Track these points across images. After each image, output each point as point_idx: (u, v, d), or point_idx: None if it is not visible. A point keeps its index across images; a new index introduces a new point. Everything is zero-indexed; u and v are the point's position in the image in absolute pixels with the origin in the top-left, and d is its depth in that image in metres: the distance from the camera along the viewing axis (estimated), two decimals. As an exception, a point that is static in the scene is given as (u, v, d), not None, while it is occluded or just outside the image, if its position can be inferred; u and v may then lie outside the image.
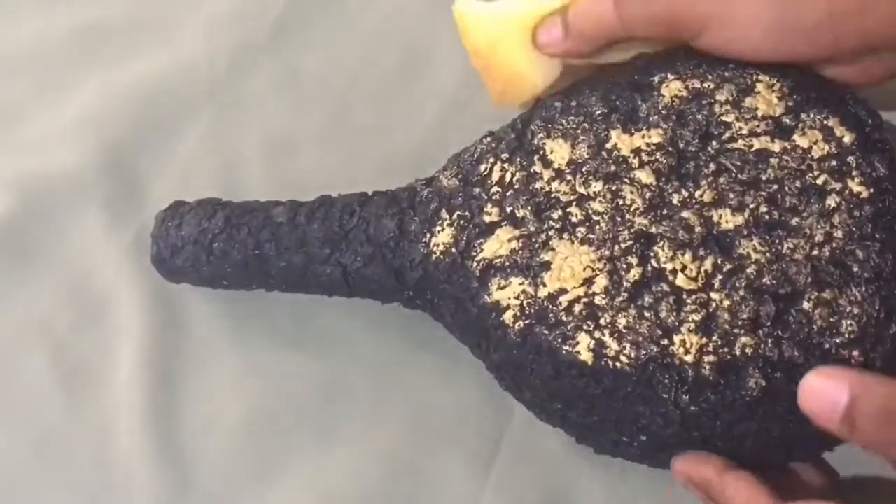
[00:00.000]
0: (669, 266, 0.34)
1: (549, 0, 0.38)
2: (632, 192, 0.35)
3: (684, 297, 0.34)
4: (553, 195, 0.36)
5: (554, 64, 0.38)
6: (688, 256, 0.34)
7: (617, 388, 0.34)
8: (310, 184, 0.44)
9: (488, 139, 0.39)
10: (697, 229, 0.34)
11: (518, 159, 0.37)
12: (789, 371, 0.32)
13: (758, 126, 0.35)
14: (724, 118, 0.36)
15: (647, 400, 0.34)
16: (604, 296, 0.34)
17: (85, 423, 0.43)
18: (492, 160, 0.38)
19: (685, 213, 0.35)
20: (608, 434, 0.36)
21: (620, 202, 0.35)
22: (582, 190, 0.36)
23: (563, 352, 0.34)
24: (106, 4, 0.52)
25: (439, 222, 0.38)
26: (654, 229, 0.35)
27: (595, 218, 0.35)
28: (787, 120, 0.35)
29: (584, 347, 0.34)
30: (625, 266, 0.35)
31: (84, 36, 0.51)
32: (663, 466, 0.36)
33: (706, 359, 0.33)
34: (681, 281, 0.34)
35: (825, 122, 0.35)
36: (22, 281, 0.46)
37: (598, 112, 0.37)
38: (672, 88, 0.37)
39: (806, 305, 0.33)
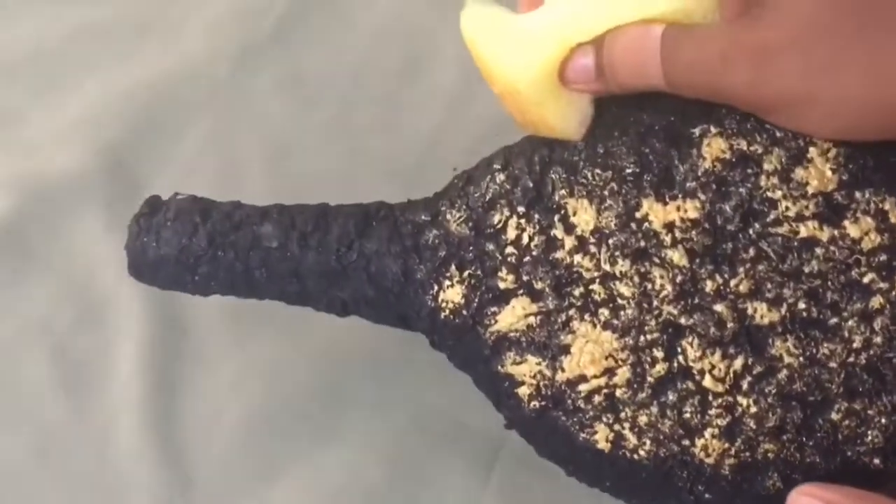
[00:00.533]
0: (697, 365, 0.33)
1: (581, 22, 0.32)
2: (661, 276, 0.33)
3: (710, 399, 0.33)
4: (575, 269, 0.34)
5: (584, 107, 0.34)
6: (717, 356, 0.33)
7: (633, 474, 0.34)
8: (311, 184, 0.44)
9: (501, 176, 0.35)
10: (730, 325, 0.33)
11: (536, 217, 0.35)
12: (807, 473, 0.32)
13: (806, 207, 0.32)
14: (769, 194, 0.33)
15: (664, 489, 0.34)
16: (625, 389, 0.33)
17: (85, 423, 0.43)
18: (507, 213, 0.35)
19: (718, 307, 0.33)
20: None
21: (649, 286, 0.33)
22: (607, 267, 0.34)
23: (580, 438, 0.34)
24: (107, 5, 0.52)
25: (448, 276, 0.36)
26: (683, 320, 0.33)
27: (620, 301, 0.33)
28: (840, 198, 0.32)
29: (602, 437, 0.33)
30: (649, 359, 0.33)
31: (85, 36, 0.51)
32: None
33: (727, 462, 0.33)
34: (708, 382, 0.33)
35: (881, 205, 0.32)
36: (22, 281, 0.46)
37: (628, 170, 0.34)
38: (714, 149, 0.33)
39: (834, 416, 0.32)
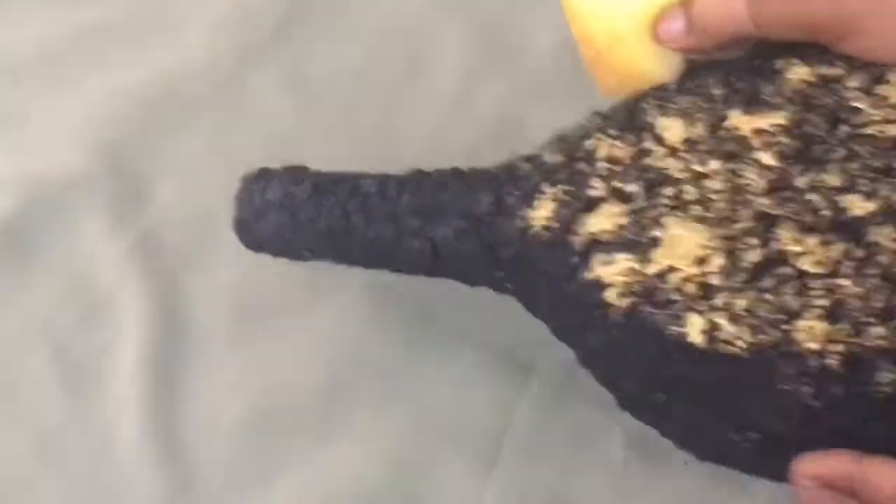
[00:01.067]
0: (794, 248, 0.31)
1: None
2: (753, 173, 0.33)
3: (810, 281, 0.31)
4: (665, 171, 0.34)
5: (675, 59, 0.36)
6: (814, 240, 0.31)
7: (730, 375, 0.31)
8: None
9: (596, 117, 0.36)
10: (825, 213, 0.32)
11: (628, 136, 0.35)
12: None
13: (892, 113, 0.32)
14: (855, 103, 0.33)
15: (764, 391, 0.31)
16: (720, 275, 0.32)
17: (85, 422, 0.43)
18: (600, 136, 0.35)
19: (811, 196, 0.32)
20: (716, 431, 0.33)
21: (740, 182, 0.33)
22: (698, 168, 0.33)
23: (673, 332, 0.32)
24: (108, 5, 0.51)
25: (539, 196, 0.36)
26: (777, 210, 0.32)
27: (712, 196, 0.33)
28: None
29: (695, 329, 0.31)
30: (744, 246, 0.32)
31: (86, 36, 0.51)
32: (775, 474, 0.33)
33: (833, 348, 0.30)
34: (806, 264, 0.31)
35: None
36: (23, 281, 0.46)
37: (716, 92, 0.34)
38: (798, 73, 0.34)
39: None
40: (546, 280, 0.35)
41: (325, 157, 0.46)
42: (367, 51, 0.51)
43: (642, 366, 0.33)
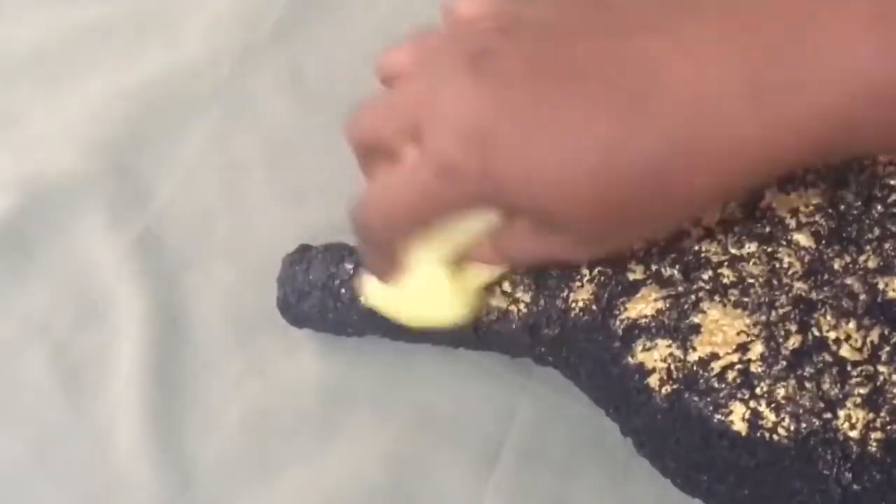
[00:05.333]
0: (832, 335, 0.32)
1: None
2: (789, 256, 0.34)
3: (849, 368, 0.32)
4: (703, 255, 0.34)
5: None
6: (852, 325, 0.32)
7: (773, 461, 0.32)
8: (312, 184, 0.44)
9: None
10: (862, 297, 0.32)
11: None
12: None
13: None
14: (888, 180, 0.34)
15: (806, 476, 0.32)
16: (760, 363, 0.32)
17: (85, 423, 0.43)
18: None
19: (848, 280, 0.33)
20: None
21: (777, 265, 0.33)
22: (734, 251, 0.34)
23: (715, 420, 0.33)
24: (107, 5, 0.51)
25: (578, 278, 0.36)
26: (814, 295, 0.33)
27: (749, 280, 0.33)
28: None
29: (738, 417, 0.32)
30: (783, 333, 0.33)
31: (85, 36, 0.50)
32: None
33: (873, 435, 0.31)
34: (845, 351, 0.32)
35: None
36: (22, 281, 0.46)
37: None
38: None
39: None
40: (587, 360, 0.36)
41: (323, 157, 0.47)
42: (367, 51, 0.48)
43: (685, 449, 0.34)
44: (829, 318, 0.33)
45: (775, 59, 0.29)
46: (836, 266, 0.33)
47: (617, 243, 0.34)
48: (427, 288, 0.36)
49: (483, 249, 0.34)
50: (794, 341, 0.33)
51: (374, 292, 0.38)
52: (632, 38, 0.30)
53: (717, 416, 0.33)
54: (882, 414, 0.31)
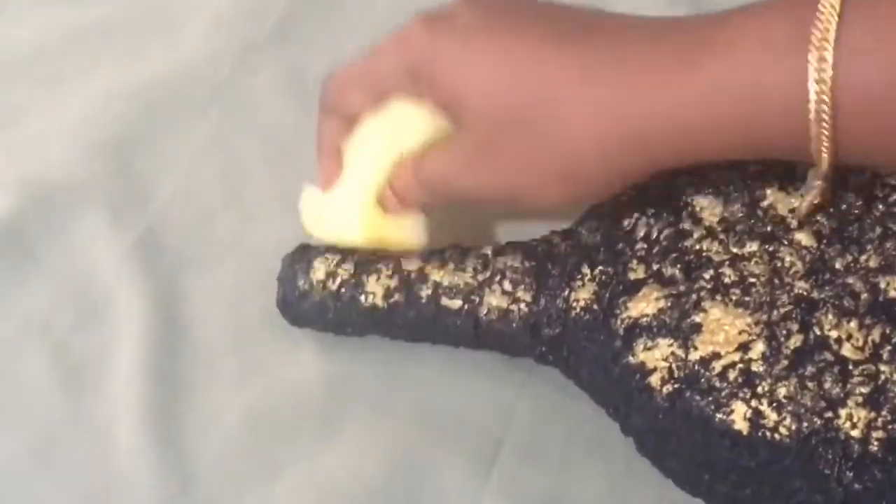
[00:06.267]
0: (834, 334, 0.32)
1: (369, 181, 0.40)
2: (791, 255, 0.34)
3: (850, 367, 0.32)
4: (704, 254, 0.34)
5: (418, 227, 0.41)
6: (853, 325, 0.32)
7: (773, 460, 0.32)
8: (314, 183, 0.42)
9: (631, 191, 0.37)
10: (864, 296, 0.33)
11: (665, 215, 0.36)
12: None
13: None
14: (889, 179, 0.34)
15: (807, 475, 0.32)
16: (762, 362, 0.32)
17: (85, 423, 0.43)
18: (636, 215, 0.36)
19: (850, 279, 0.33)
20: None
21: (778, 264, 0.34)
22: (736, 250, 0.34)
23: (716, 420, 0.33)
24: (107, 5, 0.52)
25: (580, 277, 0.36)
26: (815, 294, 0.33)
27: (751, 280, 0.34)
28: None
29: (739, 416, 0.32)
30: (784, 332, 0.33)
31: (86, 36, 0.51)
32: None
33: (874, 434, 0.31)
34: (846, 350, 0.32)
35: None
36: (23, 281, 0.45)
37: (752, 168, 0.35)
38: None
39: None
40: (588, 359, 0.36)
41: None
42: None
43: (686, 448, 0.34)
44: (830, 317, 0.33)
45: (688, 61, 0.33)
46: (837, 265, 0.33)
47: (501, 178, 0.37)
48: (348, 206, 0.39)
49: (400, 181, 0.39)
50: (795, 340, 0.33)
51: (308, 198, 0.41)
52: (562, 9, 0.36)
53: (719, 416, 0.33)
54: (883, 413, 0.31)
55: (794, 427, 0.32)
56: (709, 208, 0.35)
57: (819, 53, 0.30)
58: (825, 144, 0.31)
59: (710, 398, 0.33)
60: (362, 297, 0.40)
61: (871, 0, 0.31)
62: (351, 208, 0.39)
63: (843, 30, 0.30)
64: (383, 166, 0.39)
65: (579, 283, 0.36)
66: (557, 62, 0.34)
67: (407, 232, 0.40)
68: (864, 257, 0.33)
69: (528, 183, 0.36)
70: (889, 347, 0.32)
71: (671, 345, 0.34)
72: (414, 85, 0.37)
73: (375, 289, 0.40)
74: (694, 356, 0.33)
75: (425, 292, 0.39)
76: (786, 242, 0.34)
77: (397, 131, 0.38)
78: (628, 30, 0.34)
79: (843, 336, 0.32)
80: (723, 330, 0.33)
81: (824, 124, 0.31)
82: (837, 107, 0.30)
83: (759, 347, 0.33)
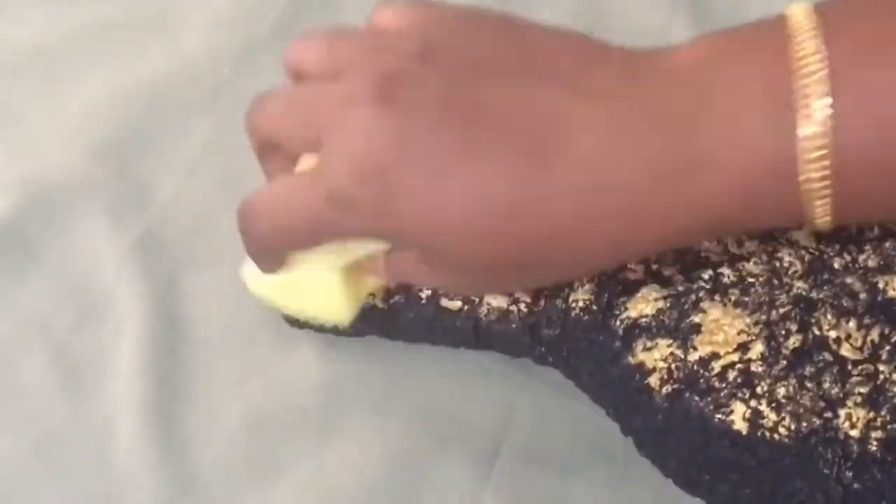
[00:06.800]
0: (833, 334, 0.32)
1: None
2: (789, 255, 0.34)
3: (849, 367, 0.32)
4: (703, 254, 0.35)
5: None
6: (852, 324, 0.32)
7: (773, 460, 0.32)
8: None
9: None
10: (862, 296, 0.33)
11: None
12: None
13: None
14: None
15: (807, 475, 0.32)
16: (761, 363, 0.33)
17: (85, 423, 0.43)
18: None
19: (848, 279, 0.33)
20: None
21: (777, 264, 0.34)
22: (734, 250, 0.34)
23: (716, 420, 0.33)
24: (107, 4, 0.51)
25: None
26: (814, 294, 0.33)
27: (750, 280, 0.34)
28: None
29: (738, 416, 0.32)
30: (783, 332, 0.33)
31: (85, 36, 0.50)
32: None
33: (873, 434, 0.31)
34: (845, 350, 0.32)
35: None
36: (22, 281, 0.45)
37: None
38: None
39: None
40: (588, 360, 0.36)
41: None
42: None
43: (686, 449, 0.34)
44: (829, 317, 0.33)
45: (673, 140, 0.29)
46: (836, 265, 0.33)
47: (511, 288, 0.35)
48: (314, 287, 0.36)
49: (373, 264, 0.35)
50: (794, 340, 0.33)
51: (258, 282, 0.37)
52: (542, 86, 0.30)
53: (718, 416, 0.33)
54: (882, 413, 0.32)
55: (793, 427, 0.32)
56: None
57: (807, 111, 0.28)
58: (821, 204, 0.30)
59: (710, 398, 0.33)
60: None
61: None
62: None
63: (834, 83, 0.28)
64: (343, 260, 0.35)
65: (578, 283, 0.36)
66: (557, 184, 0.29)
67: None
68: (862, 257, 0.33)
69: (545, 282, 0.34)
70: (888, 347, 0.32)
71: (670, 345, 0.34)
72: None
73: (375, 290, 0.40)
74: (693, 356, 0.33)
75: (425, 293, 0.39)
76: (784, 242, 0.34)
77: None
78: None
79: (842, 336, 0.32)
80: (722, 330, 0.33)
81: (821, 183, 0.29)
82: (834, 164, 0.29)
83: (758, 348, 0.33)
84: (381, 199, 0.29)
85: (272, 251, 0.35)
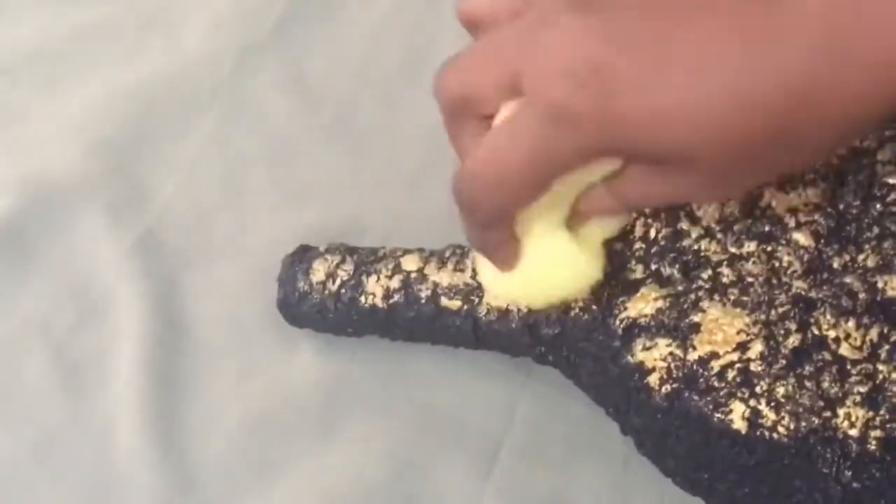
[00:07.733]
0: (832, 334, 0.32)
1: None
2: (789, 255, 0.33)
3: (848, 367, 0.32)
4: (702, 254, 0.34)
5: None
6: (851, 324, 0.32)
7: (772, 460, 0.32)
8: (312, 184, 0.44)
9: None
10: (861, 296, 0.32)
11: (662, 215, 0.35)
12: None
13: None
14: (887, 179, 0.33)
15: (806, 474, 0.32)
16: (760, 362, 0.32)
17: (85, 423, 0.43)
18: (634, 215, 0.36)
19: (848, 279, 0.33)
20: None
21: (776, 264, 0.33)
22: (734, 249, 0.34)
23: (715, 419, 0.33)
24: (108, 5, 0.52)
25: None
26: (813, 294, 0.33)
27: (749, 279, 0.33)
28: None
29: (737, 416, 0.32)
30: (782, 332, 0.33)
31: (85, 36, 0.51)
32: None
33: (872, 434, 0.31)
34: (844, 350, 0.32)
35: None
36: (22, 281, 0.46)
37: None
38: None
39: None
40: (588, 359, 0.36)
41: (323, 158, 0.47)
42: (366, 50, 0.51)
43: (686, 448, 0.34)
44: (828, 316, 0.33)
45: None
46: (835, 265, 0.33)
47: (747, 183, 0.31)
48: (551, 261, 0.33)
49: (599, 200, 0.31)
50: (793, 340, 0.33)
51: (495, 283, 0.34)
52: None
53: (717, 415, 0.33)
54: (881, 412, 0.31)
55: (792, 426, 0.32)
56: (707, 208, 0.35)
57: None
58: None
59: (709, 398, 0.33)
60: (362, 298, 0.40)
61: None
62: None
63: None
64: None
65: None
66: (793, 40, 0.25)
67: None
68: (861, 257, 0.33)
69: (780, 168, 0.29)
70: (887, 347, 0.32)
71: (670, 345, 0.34)
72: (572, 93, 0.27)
73: (375, 289, 0.40)
74: (692, 356, 0.33)
75: (425, 293, 0.39)
76: (784, 242, 0.34)
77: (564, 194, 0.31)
78: None
79: (841, 335, 0.32)
80: (721, 330, 0.33)
81: None
82: None
83: (757, 347, 0.33)
84: (603, 101, 0.26)
85: (499, 215, 0.31)
